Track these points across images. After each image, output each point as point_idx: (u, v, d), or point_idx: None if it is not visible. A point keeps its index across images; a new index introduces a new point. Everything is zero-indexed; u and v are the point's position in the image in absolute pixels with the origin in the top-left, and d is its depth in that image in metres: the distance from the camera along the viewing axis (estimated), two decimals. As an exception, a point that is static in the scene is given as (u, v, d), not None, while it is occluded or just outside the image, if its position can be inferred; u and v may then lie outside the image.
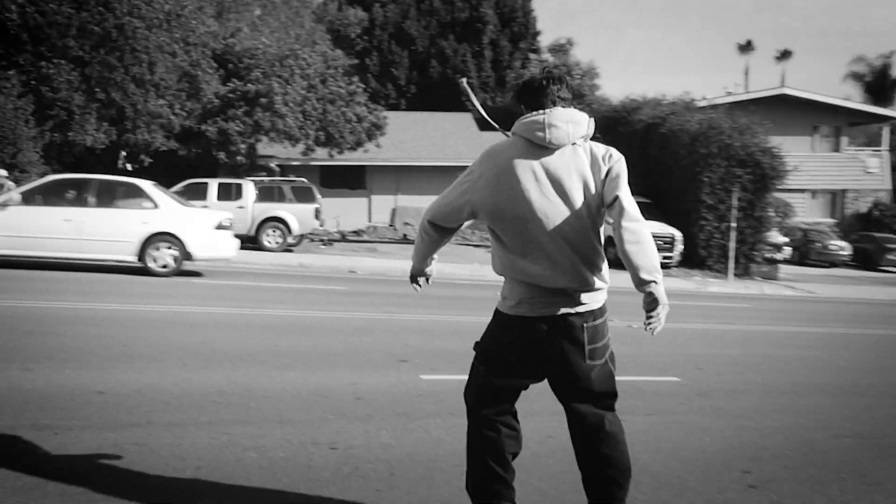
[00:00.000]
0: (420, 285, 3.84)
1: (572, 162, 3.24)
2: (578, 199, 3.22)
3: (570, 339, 3.28)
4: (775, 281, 23.02)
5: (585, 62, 40.60)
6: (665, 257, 21.53)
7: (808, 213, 35.43)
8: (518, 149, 3.32)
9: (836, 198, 36.62)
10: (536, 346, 3.30)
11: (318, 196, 22.21)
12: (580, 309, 3.29)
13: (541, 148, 3.27)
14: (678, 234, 22.35)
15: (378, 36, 42.98)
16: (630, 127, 28.59)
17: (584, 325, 3.29)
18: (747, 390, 7.45)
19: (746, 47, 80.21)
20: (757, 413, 6.52)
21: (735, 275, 22.11)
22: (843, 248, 30.13)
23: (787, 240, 27.49)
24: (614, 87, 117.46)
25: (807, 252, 30.23)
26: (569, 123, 3.26)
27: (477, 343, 3.51)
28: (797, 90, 35.06)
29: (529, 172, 3.25)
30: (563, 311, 3.27)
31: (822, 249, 29.95)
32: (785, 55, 79.30)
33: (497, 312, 3.46)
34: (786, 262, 26.88)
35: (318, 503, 3.97)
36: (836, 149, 36.47)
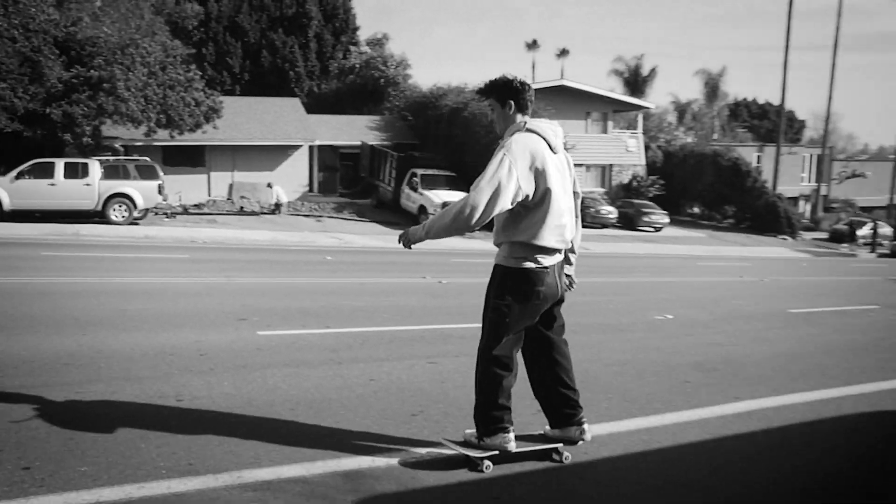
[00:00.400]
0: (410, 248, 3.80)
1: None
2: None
3: (561, 277, 3.82)
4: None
5: (399, 54, 40.41)
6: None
7: (584, 184, 37.51)
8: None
9: (605, 171, 38.93)
10: (558, 286, 3.75)
11: (161, 173, 21.00)
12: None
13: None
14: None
15: (213, 28, 41.13)
16: (437, 111, 28.95)
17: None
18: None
19: (533, 45, 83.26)
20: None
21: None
22: (611, 212, 32.04)
23: (567, 206, 28.99)
24: (424, 76, 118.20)
25: (583, 216, 31.89)
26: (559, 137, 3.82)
27: (504, 303, 3.63)
28: (574, 82, 36.70)
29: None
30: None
31: (595, 214, 31.71)
32: (564, 53, 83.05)
33: (523, 270, 3.62)
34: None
35: (169, 449, 3.78)
36: (605, 131, 38.71)
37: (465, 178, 23.72)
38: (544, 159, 3.59)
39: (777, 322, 9.55)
